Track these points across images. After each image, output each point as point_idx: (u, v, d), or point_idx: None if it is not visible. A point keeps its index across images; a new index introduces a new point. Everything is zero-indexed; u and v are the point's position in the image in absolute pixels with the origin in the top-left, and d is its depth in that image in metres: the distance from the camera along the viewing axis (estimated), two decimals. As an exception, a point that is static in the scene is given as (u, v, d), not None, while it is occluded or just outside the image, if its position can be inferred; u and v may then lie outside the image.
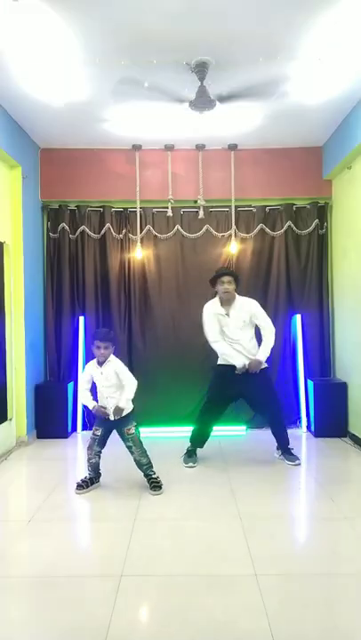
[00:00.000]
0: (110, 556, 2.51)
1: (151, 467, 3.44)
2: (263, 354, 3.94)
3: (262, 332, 4.03)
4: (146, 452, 3.43)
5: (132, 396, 3.37)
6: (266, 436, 4.75)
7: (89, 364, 3.52)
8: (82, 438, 4.87)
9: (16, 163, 4.46)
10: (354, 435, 4.57)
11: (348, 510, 3.04)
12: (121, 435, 3.41)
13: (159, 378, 5.11)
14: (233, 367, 3.92)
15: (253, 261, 5.22)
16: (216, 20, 2.99)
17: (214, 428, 4.16)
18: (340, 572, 2.36)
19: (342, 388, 4.80)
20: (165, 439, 4.68)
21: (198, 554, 2.53)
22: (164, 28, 3.07)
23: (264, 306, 5.14)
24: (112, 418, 3.35)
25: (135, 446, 3.39)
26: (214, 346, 3.99)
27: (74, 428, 5.07)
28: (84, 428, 5.06)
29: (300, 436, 4.86)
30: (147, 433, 4.69)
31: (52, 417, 4.82)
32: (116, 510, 3.11)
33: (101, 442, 3.43)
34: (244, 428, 4.88)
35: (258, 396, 4.02)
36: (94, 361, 3.45)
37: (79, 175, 5.15)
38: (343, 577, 2.31)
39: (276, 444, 4.11)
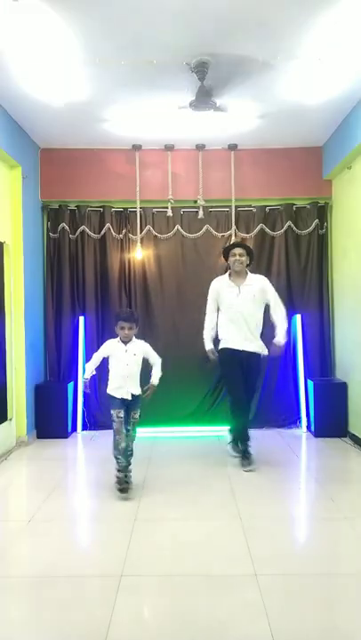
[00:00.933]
0: (110, 556, 2.51)
1: (132, 455, 3.41)
2: (282, 335, 3.89)
3: (274, 314, 3.95)
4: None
5: (161, 373, 3.46)
6: (266, 436, 4.76)
7: (107, 342, 3.48)
8: (82, 438, 4.87)
9: (16, 163, 4.46)
10: (354, 435, 4.57)
11: (348, 510, 3.04)
12: (126, 418, 3.38)
13: (160, 377, 5.09)
14: (235, 350, 3.88)
15: (253, 261, 5.20)
16: (216, 20, 2.99)
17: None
18: (340, 572, 2.36)
19: (342, 388, 4.79)
20: (165, 439, 4.68)
21: (198, 554, 2.53)
22: (164, 28, 3.07)
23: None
24: (129, 397, 3.34)
25: (133, 432, 3.42)
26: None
27: (74, 428, 5.06)
28: (84, 427, 5.06)
29: (300, 436, 4.86)
30: (147, 433, 4.71)
31: (51, 417, 4.82)
32: (116, 510, 3.11)
33: (126, 421, 3.39)
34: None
35: (248, 379, 3.96)
36: (115, 340, 3.43)
37: (79, 175, 5.15)
38: (343, 577, 2.31)
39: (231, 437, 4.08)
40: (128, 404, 3.39)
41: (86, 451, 4.55)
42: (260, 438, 4.58)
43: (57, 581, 2.28)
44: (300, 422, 5.10)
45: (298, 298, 5.21)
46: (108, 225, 5.18)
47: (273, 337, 3.95)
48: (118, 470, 3.34)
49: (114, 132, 4.70)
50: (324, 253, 5.24)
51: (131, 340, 3.41)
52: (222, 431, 4.64)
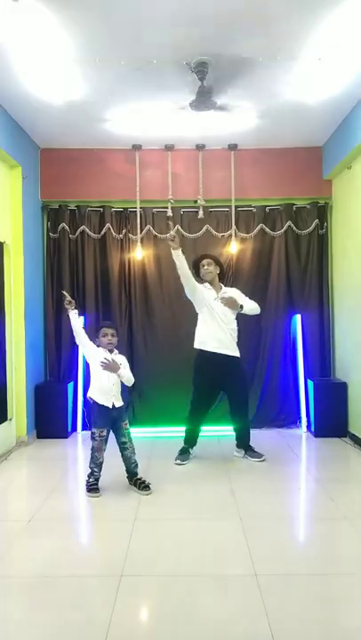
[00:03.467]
0: (110, 556, 2.51)
1: (137, 466, 3.45)
2: (245, 303, 4.05)
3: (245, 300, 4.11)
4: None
5: (129, 377, 3.42)
6: (266, 436, 4.76)
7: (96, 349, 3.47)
8: (82, 438, 4.87)
9: (16, 163, 4.46)
10: (354, 435, 4.57)
11: (348, 510, 3.03)
12: (117, 429, 3.38)
13: (160, 378, 5.11)
14: (212, 353, 3.93)
15: (253, 261, 5.22)
16: (216, 20, 2.99)
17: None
18: (340, 572, 2.36)
19: (342, 387, 4.79)
20: (165, 439, 4.68)
21: (198, 554, 2.53)
22: (164, 28, 3.07)
23: (264, 306, 5.18)
24: (111, 405, 3.32)
25: (130, 442, 3.40)
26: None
27: (74, 428, 5.06)
28: (84, 428, 5.06)
29: (300, 436, 4.86)
30: (147, 433, 4.72)
31: (52, 417, 4.82)
32: (116, 510, 3.11)
33: (107, 440, 3.39)
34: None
35: (231, 385, 4.05)
36: (101, 349, 3.43)
37: (79, 175, 5.15)
38: (343, 577, 2.31)
39: (236, 443, 4.16)
40: (115, 417, 3.35)
41: (86, 451, 4.51)
42: (260, 438, 4.57)
43: (57, 581, 2.28)
44: (300, 422, 5.10)
45: (298, 298, 5.21)
46: (108, 225, 5.18)
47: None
48: (90, 476, 3.38)
49: (114, 131, 4.70)
50: (324, 253, 5.23)
51: (114, 347, 3.44)
52: (222, 431, 4.64)
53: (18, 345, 4.57)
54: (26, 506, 3.25)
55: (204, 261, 4.07)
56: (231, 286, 4.38)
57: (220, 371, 3.96)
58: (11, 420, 4.45)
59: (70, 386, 5.02)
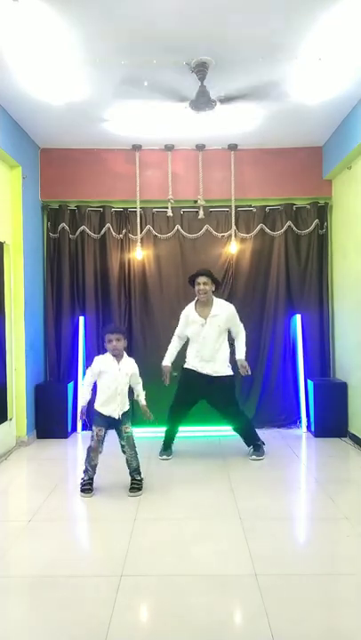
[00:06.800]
0: (110, 556, 2.51)
1: (139, 471, 3.43)
2: (242, 351, 4.07)
3: (235, 337, 4.13)
4: (137, 454, 3.41)
5: (143, 393, 3.49)
6: (266, 436, 4.75)
7: (98, 358, 3.40)
8: (82, 438, 4.87)
9: (16, 163, 4.46)
10: (354, 435, 4.57)
11: (348, 510, 3.04)
12: (119, 433, 3.39)
13: (160, 377, 5.10)
14: (199, 375, 4.04)
15: (253, 261, 5.22)
16: (216, 20, 2.99)
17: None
18: (340, 572, 2.36)
19: (342, 387, 4.79)
20: (165, 439, 4.68)
21: (198, 554, 2.53)
22: (164, 28, 3.07)
23: (264, 306, 5.19)
24: (116, 416, 3.33)
25: (128, 446, 3.38)
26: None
27: (74, 428, 5.06)
28: (84, 428, 5.05)
29: (300, 436, 4.86)
30: (147, 433, 4.71)
31: (52, 417, 4.82)
32: (116, 510, 3.11)
33: (103, 441, 3.40)
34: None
35: (217, 403, 4.16)
36: (106, 355, 3.37)
37: (79, 175, 5.15)
38: (343, 577, 2.31)
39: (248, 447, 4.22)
40: (119, 420, 3.36)
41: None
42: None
43: (57, 581, 2.28)
44: (300, 422, 5.11)
45: (298, 298, 5.22)
46: (108, 225, 5.18)
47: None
48: (85, 473, 3.41)
49: (114, 131, 4.70)
50: (324, 253, 5.24)
51: (121, 354, 3.36)
52: (223, 431, 4.63)
53: (18, 345, 4.56)
54: (26, 506, 3.25)
55: (200, 280, 4.03)
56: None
57: (200, 388, 4.07)
58: (11, 420, 4.45)
59: (70, 386, 5.02)
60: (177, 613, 2.03)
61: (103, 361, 3.36)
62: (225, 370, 4.04)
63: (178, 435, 4.30)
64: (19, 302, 4.58)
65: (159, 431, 4.82)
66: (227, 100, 3.92)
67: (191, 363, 4.10)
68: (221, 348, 4.05)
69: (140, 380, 3.48)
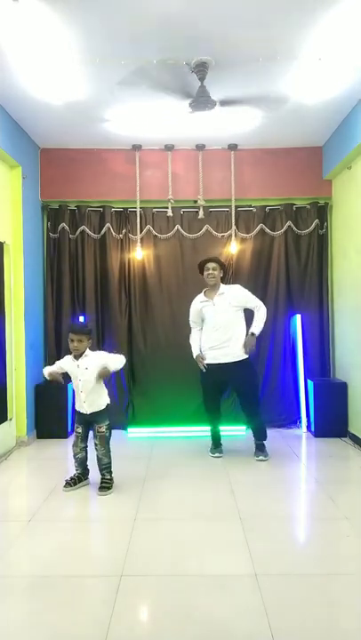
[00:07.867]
0: (110, 556, 2.51)
1: (109, 469, 3.45)
2: (257, 327, 4.05)
3: (255, 310, 4.11)
4: (110, 453, 3.44)
5: (119, 365, 3.42)
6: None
7: (64, 357, 3.50)
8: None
9: (16, 163, 4.46)
10: (354, 435, 4.57)
11: (348, 510, 3.04)
12: (93, 431, 3.46)
13: (160, 378, 5.11)
14: (217, 364, 4.03)
15: (253, 261, 5.22)
16: (216, 20, 2.99)
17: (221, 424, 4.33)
18: (340, 572, 2.36)
19: (342, 387, 4.79)
20: (166, 439, 4.68)
21: (198, 554, 2.53)
22: (163, 28, 3.07)
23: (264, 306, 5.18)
24: (84, 412, 3.39)
25: (100, 445, 3.41)
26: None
27: (74, 428, 5.05)
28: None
29: (300, 436, 4.86)
30: (147, 433, 4.72)
31: (52, 417, 4.82)
32: (116, 510, 3.11)
33: (84, 438, 3.48)
34: (244, 428, 4.87)
35: (240, 386, 4.15)
36: (70, 356, 3.44)
37: (79, 175, 5.15)
38: (343, 577, 2.31)
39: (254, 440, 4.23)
40: (88, 419, 3.42)
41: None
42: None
43: (57, 581, 2.28)
44: (300, 422, 5.10)
45: (298, 298, 5.22)
46: (108, 225, 5.18)
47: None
48: (72, 476, 3.50)
49: (114, 131, 4.70)
50: (324, 253, 5.24)
51: (82, 353, 3.35)
52: (223, 431, 4.61)
53: (18, 345, 4.56)
54: (26, 506, 3.25)
55: (210, 265, 4.11)
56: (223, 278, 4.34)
57: (222, 377, 4.06)
58: (11, 420, 4.45)
59: (70, 386, 5.00)
60: (177, 613, 2.03)
61: (65, 360, 3.48)
62: (241, 354, 4.02)
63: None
64: (19, 302, 4.58)
65: (159, 431, 4.84)
66: (227, 101, 3.92)
67: (207, 355, 4.08)
68: (236, 331, 4.03)
69: (115, 357, 3.41)
